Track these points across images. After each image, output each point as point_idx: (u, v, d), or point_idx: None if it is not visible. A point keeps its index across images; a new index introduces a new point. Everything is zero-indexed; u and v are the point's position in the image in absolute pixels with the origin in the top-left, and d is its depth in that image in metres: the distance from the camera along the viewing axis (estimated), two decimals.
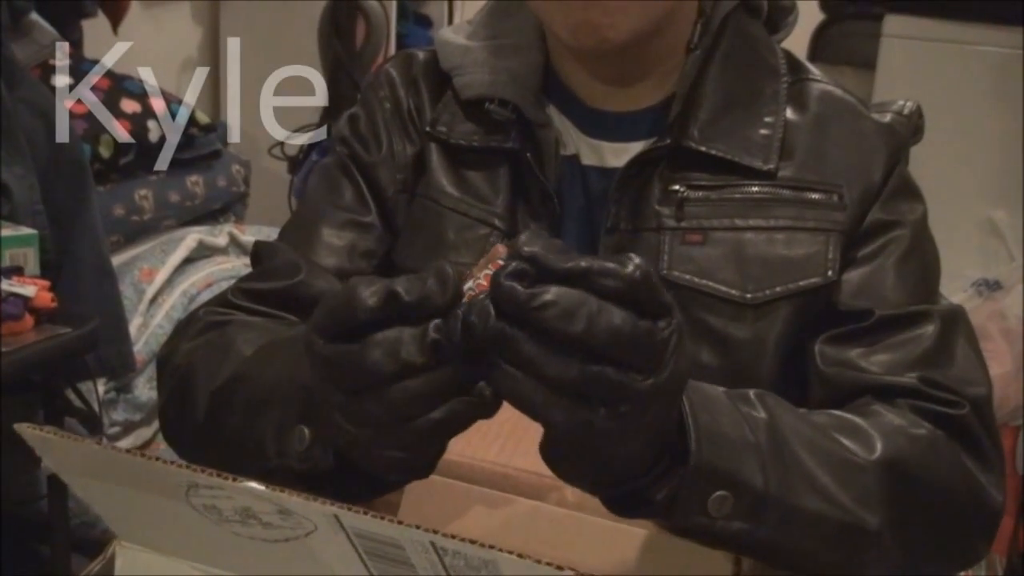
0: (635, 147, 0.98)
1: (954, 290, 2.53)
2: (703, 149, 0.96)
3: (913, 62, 2.77)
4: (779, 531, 0.74)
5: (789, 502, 0.75)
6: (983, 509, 0.88)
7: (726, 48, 0.99)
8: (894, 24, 2.78)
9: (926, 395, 0.89)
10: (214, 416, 0.85)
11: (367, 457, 0.67)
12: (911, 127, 1.02)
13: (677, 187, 0.96)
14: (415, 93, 1.05)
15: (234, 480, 0.55)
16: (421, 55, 1.08)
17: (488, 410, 0.65)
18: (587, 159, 1.00)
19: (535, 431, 0.83)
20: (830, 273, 0.94)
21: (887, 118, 1.01)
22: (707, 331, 0.94)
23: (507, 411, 0.85)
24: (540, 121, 0.99)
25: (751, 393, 0.79)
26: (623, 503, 0.72)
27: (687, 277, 0.94)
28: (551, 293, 0.59)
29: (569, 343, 0.60)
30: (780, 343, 0.94)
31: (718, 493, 0.71)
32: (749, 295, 0.94)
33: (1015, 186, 2.67)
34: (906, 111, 1.02)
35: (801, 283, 0.94)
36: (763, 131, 0.97)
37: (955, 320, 0.95)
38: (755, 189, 0.95)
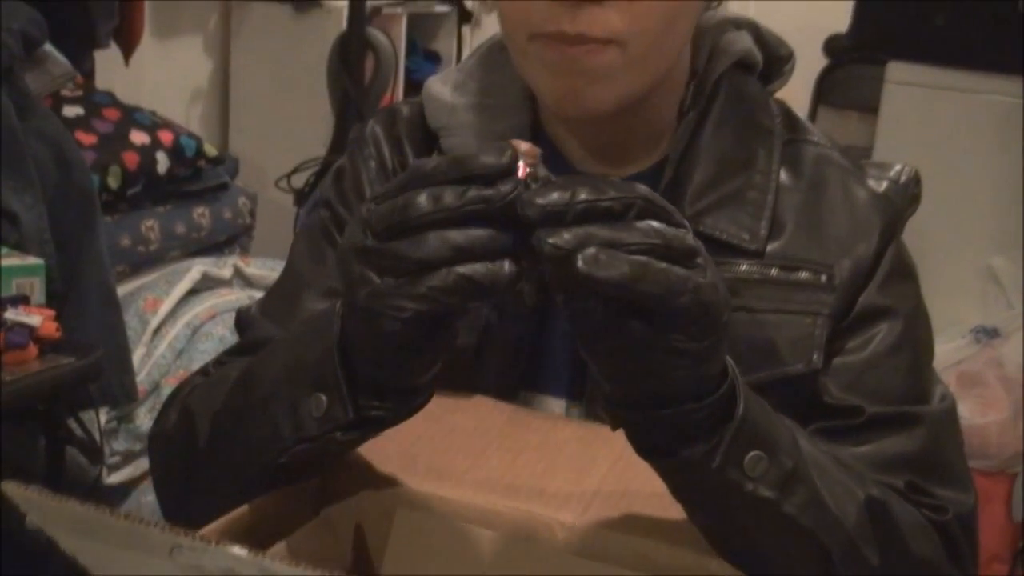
0: None
1: (952, 336, 2.54)
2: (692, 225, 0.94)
3: (916, 108, 2.79)
4: (803, 513, 0.74)
5: (814, 487, 0.75)
6: None
7: (719, 110, 0.97)
8: (897, 71, 2.80)
9: (913, 500, 0.89)
10: (218, 433, 0.85)
11: (381, 313, 0.68)
12: (907, 197, 1.00)
13: None
14: (399, 152, 1.03)
15: (217, 543, 0.56)
16: (405, 110, 1.05)
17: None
18: None
19: (526, 468, 0.84)
20: (815, 357, 0.92)
21: (883, 186, 0.99)
22: None
23: (495, 448, 0.87)
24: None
25: (787, 420, 0.79)
26: (663, 442, 0.72)
27: None
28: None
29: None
30: None
31: (755, 452, 0.72)
32: None
33: (1015, 233, 2.69)
34: (903, 179, 1.00)
35: (786, 369, 0.92)
36: (754, 202, 0.95)
37: (945, 423, 0.95)
38: (744, 268, 0.93)
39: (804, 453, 0.77)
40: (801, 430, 0.82)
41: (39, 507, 0.63)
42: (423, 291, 0.66)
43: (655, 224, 0.65)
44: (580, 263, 0.63)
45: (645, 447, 0.73)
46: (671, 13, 0.87)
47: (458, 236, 0.65)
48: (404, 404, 0.76)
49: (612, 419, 0.73)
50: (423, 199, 0.66)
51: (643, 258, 0.64)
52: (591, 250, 0.63)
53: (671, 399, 0.70)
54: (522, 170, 0.66)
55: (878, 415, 0.92)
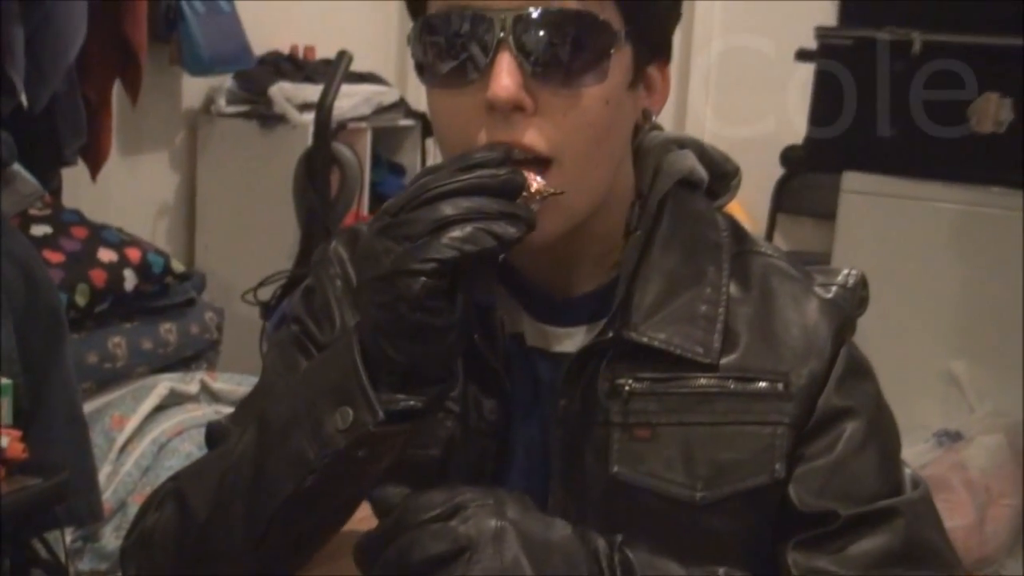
0: (579, 331, 0.98)
1: (915, 440, 2.56)
2: (645, 341, 0.95)
3: (872, 216, 2.83)
4: None
5: None
6: None
7: (666, 228, 0.99)
8: (852, 180, 2.85)
9: None
10: (226, 494, 0.86)
11: (406, 271, 0.77)
12: (855, 300, 1.01)
13: (622, 381, 0.95)
14: None
15: None
16: (365, 229, 1.04)
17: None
18: (533, 340, 0.99)
19: None
20: (777, 467, 0.93)
21: (831, 293, 1.00)
22: (659, 531, 0.93)
23: None
24: (487, 303, 0.96)
25: (720, 571, 0.81)
26: None
27: (636, 477, 0.94)
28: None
29: None
30: (733, 540, 0.93)
31: None
32: (699, 495, 0.93)
33: (974, 338, 2.72)
34: (850, 283, 1.01)
35: (748, 483, 0.93)
36: (706, 317, 0.96)
37: (922, 508, 0.95)
38: (701, 382, 0.95)
39: None
40: None
41: None
42: (444, 242, 0.76)
43: None
44: None
45: None
46: (602, 127, 0.90)
47: (469, 201, 0.77)
48: (424, 394, 0.82)
49: None
50: (432, 179, 0.78)
51: None
52: None
53: None
54: (533, 183, 0.82)
55: (854, 516, 0.92)
